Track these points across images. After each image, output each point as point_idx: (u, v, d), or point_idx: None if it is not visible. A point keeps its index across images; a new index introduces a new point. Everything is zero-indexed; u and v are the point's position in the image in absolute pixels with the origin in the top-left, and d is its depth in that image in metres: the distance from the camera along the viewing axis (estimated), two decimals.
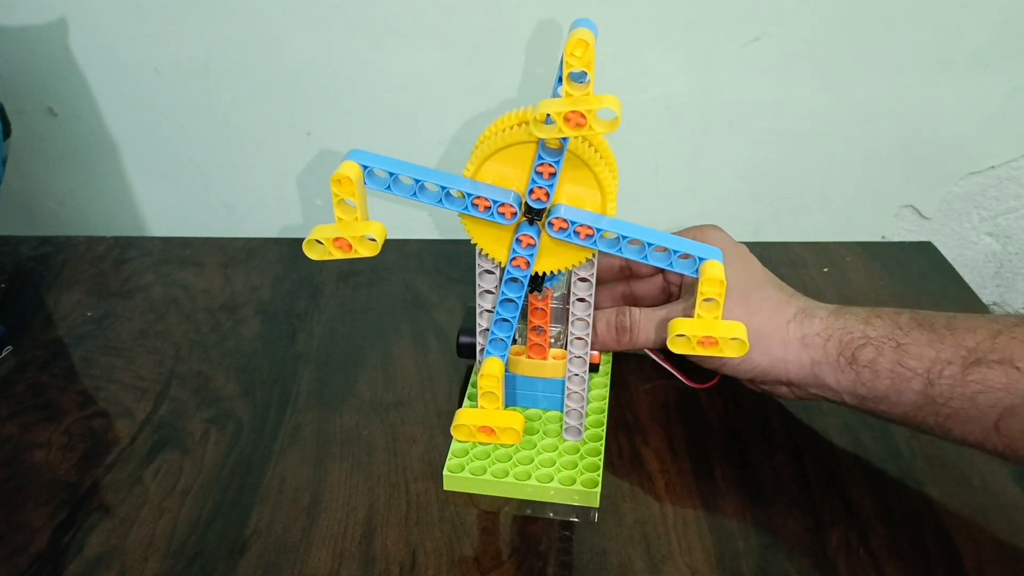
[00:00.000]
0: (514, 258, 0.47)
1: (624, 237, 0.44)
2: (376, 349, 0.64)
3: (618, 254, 0.45)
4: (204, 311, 0.69)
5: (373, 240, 0.44)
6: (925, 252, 0.76)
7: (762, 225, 0.85)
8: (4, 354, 0.64)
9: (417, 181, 0.44)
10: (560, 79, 0.40)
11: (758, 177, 0.82)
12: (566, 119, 0.40)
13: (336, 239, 0.44)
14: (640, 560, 0.47)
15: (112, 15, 0.75)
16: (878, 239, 0.85)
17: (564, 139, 0.42)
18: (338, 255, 0.44)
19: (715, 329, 0.44)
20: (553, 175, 0.43)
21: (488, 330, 0.51)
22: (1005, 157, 0.81)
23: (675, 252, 0.44)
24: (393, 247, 0.76)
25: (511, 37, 0.75)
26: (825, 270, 0.73)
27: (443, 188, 0.44)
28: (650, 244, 0.44)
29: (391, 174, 0.44)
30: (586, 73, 0.39)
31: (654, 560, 0.47)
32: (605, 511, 0.50)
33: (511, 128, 0.44)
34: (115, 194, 0.85)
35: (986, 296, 0.88)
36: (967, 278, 0.73)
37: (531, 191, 0.44)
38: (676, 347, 0.45)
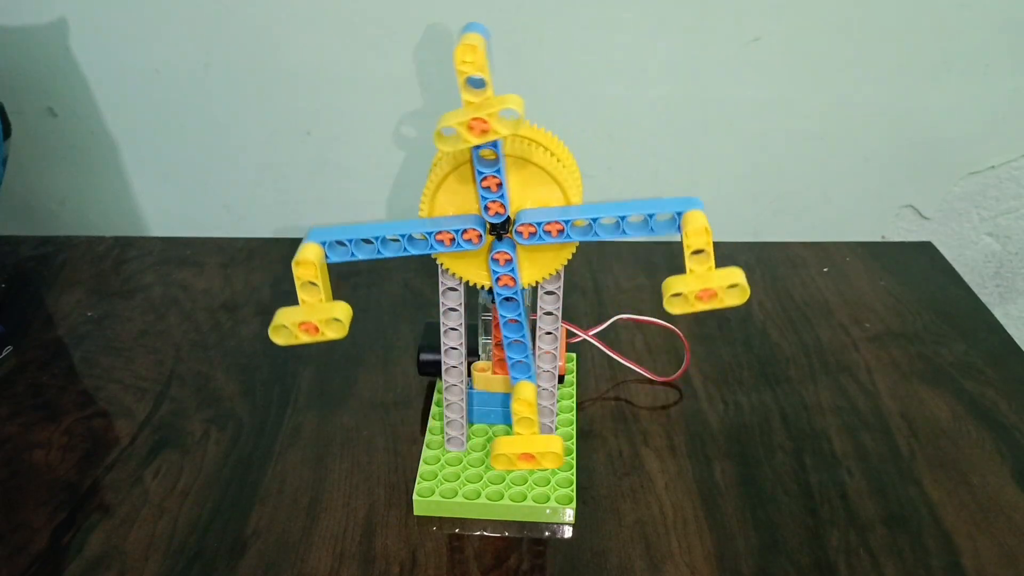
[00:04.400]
0: (498, 278, 0.45)
1: (595, 220, 0.42)
2: (376, 349, 0.64)
3: (595, 239, 0.43)
4: (204, 311, 0.69)
5: (339, 321, 0.43)
6: (925, 252, 0.76)
7: (762, 225, 0.85)
8: (4, 354, 0.64)
9: (377, 239, 0.43)
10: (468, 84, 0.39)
11: (758, 177, 0.82)
12: (469, 128, 0.38)
13: (302, 323, 0.43)
14: (640, 560, 0.47)
15: (112, 15, 0.75)
16: (878, 239, 0.85)
17: (494, 146, 0.40)
18: (304, 339, 0.43)
19: (711, 280, 0.41)
20: (500, 185, 0.42)
21: (455, 348, 0.50)
22: (1005, 157, 0.81)
23: (652, 216, 0.42)
24: None
25: (511, 37, 0.75)
26: (825, 270, 0.73)
27: (404, 236, 0.43)
28: (623, 217, 0.42)
29: (350, 242, 0.43)
30: (483, 79, 0.38)
31: (654, 560, 0.47)
32: (605, 511, 0.50)
33: (449, 152, 0.42)
34: (115, 194, 0.85)
35: (986, 296, 0.88)
36: (967, 278, 0.73)
37: (485, 208, 0.43)
38: (674, 308, 0.42)
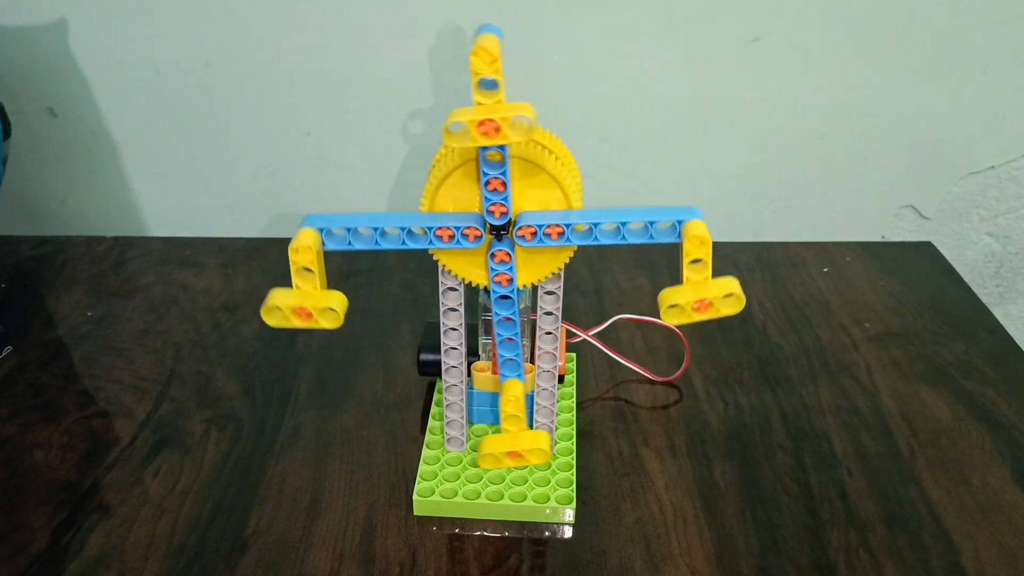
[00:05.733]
0: (495, 276, 0.45)
1: (596, 224, 0.43)
2: (376, 349, 0.64)
3: (595, 243, 0.43)
4: (204, 311, 0.69)
5: (334, 311, 0.42)
6: (925, 252, 0.76)
7: (762, 225, 0.85)
8: (4, 354, 0.64)
9: (376, 229, 0.43)
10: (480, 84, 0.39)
11: (758, 177, 0.82)
12: (479, 128, 0.38)
13: (296, 308, 0.43)
14: (640, 560, 0.47)
15: (112, 15, 0.75)
16: (878, 239, 0.85)
17: (503, 148, 0.40)
18: (297, 324, 0.43)
19: (707, 291, 0.42)
20: (504, 187, 0.42)
21: (455, 348, 0.50)
22: (1005, 157, 0.81)
23: (652, 224, 0.42)
24: None
25: (511, 37, 0.75)
26: (825, 270, 0.73)
27: (403, 229, 0.43)
28: (624, 223, 0.42)
29: (348, 230, 0.43)
30: (496, 80, 0.38)
31: (654, 560, 0.47)
32: (605, 511, 0.50)
33: (453, 151, 0.42)
34: (115, 194, 0.85)
35: (986, 296, 0.88)
36: (967, 278, 0.73)
37: (488, 209, 0.43)
38: (671, 319, 0.42)
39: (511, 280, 0.45)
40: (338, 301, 0.43)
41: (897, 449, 0.55)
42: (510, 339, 0.48)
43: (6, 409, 0.59)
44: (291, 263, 0.42)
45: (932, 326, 0.66)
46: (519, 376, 0.50)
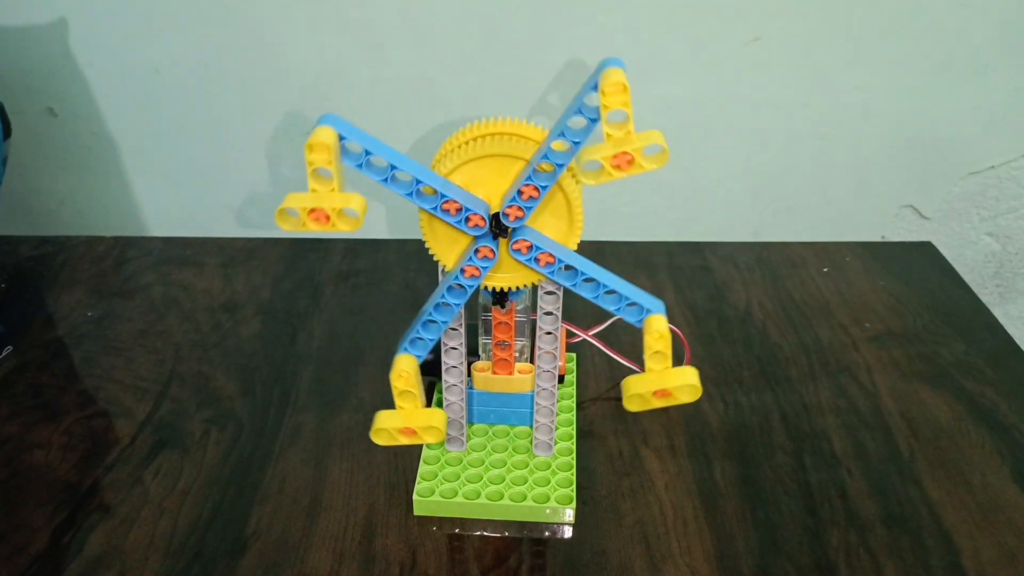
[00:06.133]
0: (466, 266, 0.45)
1: (581, 273, 0.44)
2: (376, 349, 0.64)
3: (571, 288, 0.44)
4: (204, 311, 0.69)
5: (355, 214, 0.39)
6: (925, 252, 0.76)
7: (762, 225, 0.85)
8: (4, 354, 0.64)
9: (392, 167, 0.41)
10: (575, 110, 0.39)
11: (758, 177, 0.82)
12: (311, 216, 0.38)
13: (312, 210, 0.39)
14: (640, 560, 0.47)
15: (112, 15, 0.75)
16: (878, 239, 0.85)
17: (560, 165, 0.41)
18: (313, 228, 0.40)
19: (666, 381, 0.44)
20: (534, 199, 0.42)
21: (455, 348, 0.50)
22: (1005, 157, 0.81)
23: (625, 299, 0.44)
24: (393, 247, 0.76)
25: (512, 38, 0.75)
26: (825, 270, 0.73)
27: (417, 181, 0.41)
28: (604, 286, 0.44)
29: (366, 152, 0.40)
30: (625, 112, 0.38)
31: (654, 560, 0.47)
32: (605, 511, 0.50)
33: (500, 136, 0.42)
34: (115, 194, 0.85)
35: (986, 296, 0.88)
36: (967, 278, 0.73)
37: (506, 209, 0.43)
38: (632, 406, 0.45)
39: (554, 256, 0.44)
40: (358, 203, 0.39)
41: (897, 449, 0.55)
42: (434, 322, 0.46)
43: (6, 409, 0.59)
44: (307, 163, 0.38)
45: (932, 326, 0.66)
46: (420, 357, 0.47)
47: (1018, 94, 0.77)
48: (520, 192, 0.42)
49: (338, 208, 0.39)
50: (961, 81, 0.77)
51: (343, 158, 0.40)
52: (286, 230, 0.40)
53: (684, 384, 0.44)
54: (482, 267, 0.44)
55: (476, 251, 0.44)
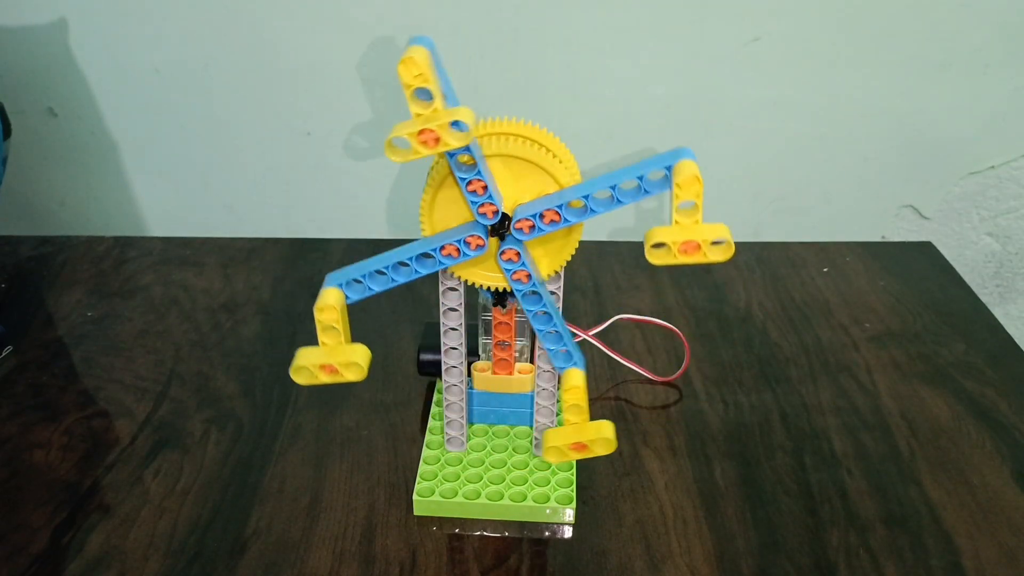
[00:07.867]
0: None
1: (588, 196, 0.42)
2: (376, 349, 0.64)
3: (593, 215, 0.42)
4: (204, 311, 0.69)
5: (359, 365, 0.44)
6: (925, 252, 0.76)
7: (762, 225, 0.85)
8: (4, 354, 0.64)
9: (388, 268, 0.44)
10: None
11: (758, 177, 0.82)
12: (420, 139, 0.39)
13: (323, 365, 0.44)
14: (640, 560, 0.47)
15: (112, 15, 0.75)
16: (878, 239, 0.85)
17: (468, 150, 0.40)
18: (325, 380, 0.44)
19: (696, 233, 0.40)
20: (486, 188, 0.42)
21: (455, 348, 0.50)
22: (1005, 157, 0.81)
23: (643, 178, 0.41)
24: (393, 247, 0.76)
25: (512, 37, 0.75)
26: (825, 270, 0.73)
27: (412, 259, 0.44)
28: (615, 186, 0.41)
29: (365, 277, 0.44)
30: (429, 90, 0.38)
31: (654, 560, 0.47)
32: (605, 511, 0.50)
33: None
34: (115, 194, 0.85)
35: (986, 296, 0.88)
36: (967, 278, 0.73)
37: (478, 212, 0.43)
38: (655, 258, 0.41)
39: (529, 276, 0.44)
40: (362, 355, 0.44)
41: (897, 449, 0.55)
42: (553, 332, 0.46)
43: (6, 409, 0.59)
44: (317, 322, 0.43)
45: (932, 326, 0.66)
46: (575, 364, 0.47)
47: (1018, 94, 0.77)
48: (471, 192, 0.42)
49: (347, 362, 0.44)
50: (961, 81, 0.77)
51: (354, 295, 0.44)
52: (301, 383, 0.45)
53: (599, 438, 0.44)
54: (522, 268, 0.44)
55: (503, 257, 0.44)
